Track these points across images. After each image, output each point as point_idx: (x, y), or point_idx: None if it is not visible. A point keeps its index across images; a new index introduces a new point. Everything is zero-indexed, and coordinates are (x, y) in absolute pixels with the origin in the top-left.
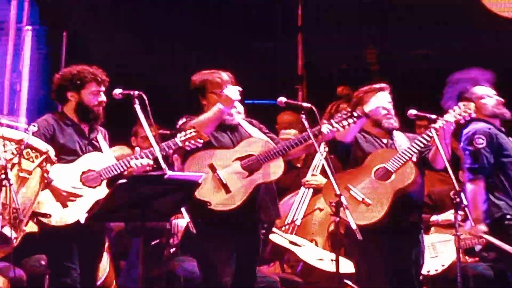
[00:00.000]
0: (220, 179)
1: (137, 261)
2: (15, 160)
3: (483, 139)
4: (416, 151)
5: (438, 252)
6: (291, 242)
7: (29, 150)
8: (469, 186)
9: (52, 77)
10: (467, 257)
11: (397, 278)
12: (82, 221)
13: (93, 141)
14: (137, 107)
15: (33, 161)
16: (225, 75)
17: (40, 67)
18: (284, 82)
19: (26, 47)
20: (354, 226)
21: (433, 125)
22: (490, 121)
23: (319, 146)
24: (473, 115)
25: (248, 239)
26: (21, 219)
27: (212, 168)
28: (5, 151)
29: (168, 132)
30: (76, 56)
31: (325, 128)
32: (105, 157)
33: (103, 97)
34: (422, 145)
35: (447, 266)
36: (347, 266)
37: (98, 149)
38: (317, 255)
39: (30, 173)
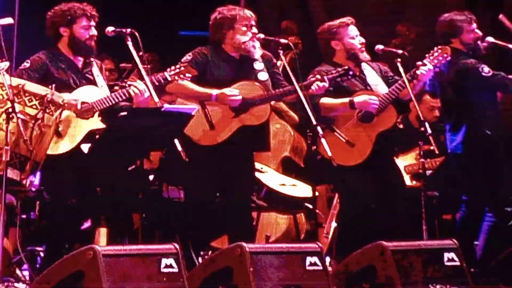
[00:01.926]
0: (207, 115)
1: None
2: (39, 115)
3: None
4: (396, 94)
5: None
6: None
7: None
8: None
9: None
10: (414, 182)
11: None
12: (85, 150)
13: (86, 75)
14: (130, 44)
15: (52, 114)
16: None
17: None
18: None
19: None
20: (329, 154)
21: (416, 72)
22: None
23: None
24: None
25: (237, 165)
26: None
27: (202, 104)
28: (30, 106)
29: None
30: None
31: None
32: (98, 90)
33: (94, 31)
34: (401, 89)
35: None
36: (306, 191)
37: (92, 82)
38: (279, 181)
39: (49, 126)
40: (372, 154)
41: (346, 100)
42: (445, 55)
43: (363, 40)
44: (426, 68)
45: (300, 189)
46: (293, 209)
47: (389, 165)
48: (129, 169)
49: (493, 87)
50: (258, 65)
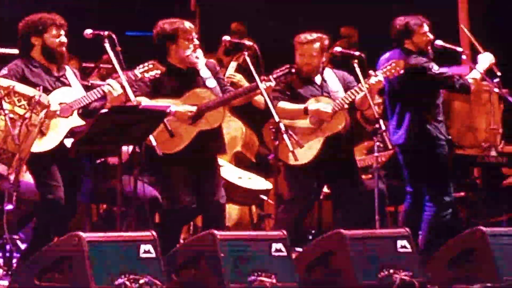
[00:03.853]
0: (166, 124)
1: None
2: (27, 114)
3: None
4: (350, 101)
5: None
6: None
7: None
8: None
9: None
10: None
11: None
12: (68, 145)
13: (61, 79)
14: (107, 45)
15: (38, 114)
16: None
17: None
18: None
19: None
20: (291, 148)
21: (369, 81)
22: None
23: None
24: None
25: (205, 167)
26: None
27: None
28: (19, 106)
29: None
30: None
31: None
32: (75, 91)
33: (63, 39)
34: (354, 97)
35: None
36: (262, 183)
37: (67, 85)
38: (236, 174)
39: (35, 126)
40: (319, 156)
41: (301, 107)
42: (397, 69)
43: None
44: (376, 79)
45: (256, 182)
46: (249, 200)
47: (341, 165)
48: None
49: (440, 85)
50: (205, 73)
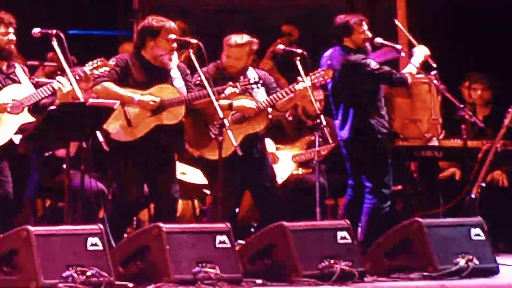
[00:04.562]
0: (126, 112)
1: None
2: None
3: None
4: (273, 103)
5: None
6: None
7: None
8: None
9: None
10: (302, 169)
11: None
12: (17, 141)
13: (11, 76)
14: (55, 44)
15: None
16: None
17: None
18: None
19: None
20: (235, 144)
21: (295, 86)
22: None
23: None
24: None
25: (160, 162)
26: None
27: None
28: None
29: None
30: None
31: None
32: (24, 88)
33: (12, 36)
34: (277, 100)
35: (286, 178)
36: (203, 178)
37: (17, 82)
38: (180, 169)
39: None
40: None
41: (225, 102)
42: (326, 77)
43: None
44: (305, 85)
45: (199, 177)
46: (192, 194)
47: (255, 161)
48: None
49: (379, 81)
50: (174, 73)
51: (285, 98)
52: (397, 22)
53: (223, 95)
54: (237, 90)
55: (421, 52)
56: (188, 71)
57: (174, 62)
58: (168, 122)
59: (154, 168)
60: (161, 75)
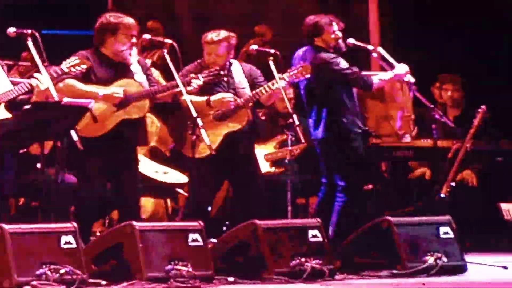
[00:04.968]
0: (91, 109)
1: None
2: None
3: None
4: (255, 99)
5: None
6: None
7: None
8: None
9: None
10: (274, 168)
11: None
12: None
13: None
14: (30, 44)
15: None
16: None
17: None
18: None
19: None
20: (208, 143)
21: (277, 85)
22: None
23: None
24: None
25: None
26: None
27: None
28: None
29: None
30: None
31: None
32: (1, 85)
33: None
34: (261, 95)
35: None
36: (178, 177)
37: None
38: (153, 168)
39: None
40: (220, 150)
41: (204, 99)
42: (304, 73)
43: None
44: (282, 84)
45: (171, 176)
46: (165, 193)
47: (241, 158)
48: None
49: (346, 80)
50: (135, 68)
51: (265, 94)
52: (380, 49)
53: (190, 88)
54: (200, 82)
55: (402, 68)
56: (148, 66)
57: (134, 57)
58: (131, 116)
59: (119, 163)
60: (122, 71)
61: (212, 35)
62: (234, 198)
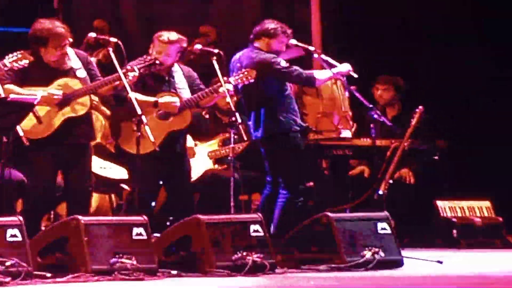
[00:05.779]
0: (34, 111)
1: None
2: None
3: None
4: (197, 101)
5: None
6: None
7: None
8: None
9: None
10: (217, 165)
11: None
12: None
13: None
14: None
15: None
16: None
17: None
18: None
19: None
20: (152, 139)
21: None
22: None
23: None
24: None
25: (73, 154)
26: None
27: None
28: None
29: None
30: None
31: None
32: None
33: None
34: (202, 99)
35: (201, 173)
36: (123, 173)
37: None
38: (99, 164)
39: None
40: (161, 147)
41: (152, 99)
42: (248, 78)
43: None
44: (227, 87)
45: (116, 172)
46: (110, 189)
47: (177, 156)
48: None
49: (288, 79)
50: (76, 64)
51: (209, 97)
52: (325, 56)
53: (127, 80)
54: (136, 73)
55: (345, 67)
56: (90, 60)
57: (70, 60)
58: (75, 114)
59: (68, 160)
60: (61, 71)
61: (168, 35)
62: (167, 193)
